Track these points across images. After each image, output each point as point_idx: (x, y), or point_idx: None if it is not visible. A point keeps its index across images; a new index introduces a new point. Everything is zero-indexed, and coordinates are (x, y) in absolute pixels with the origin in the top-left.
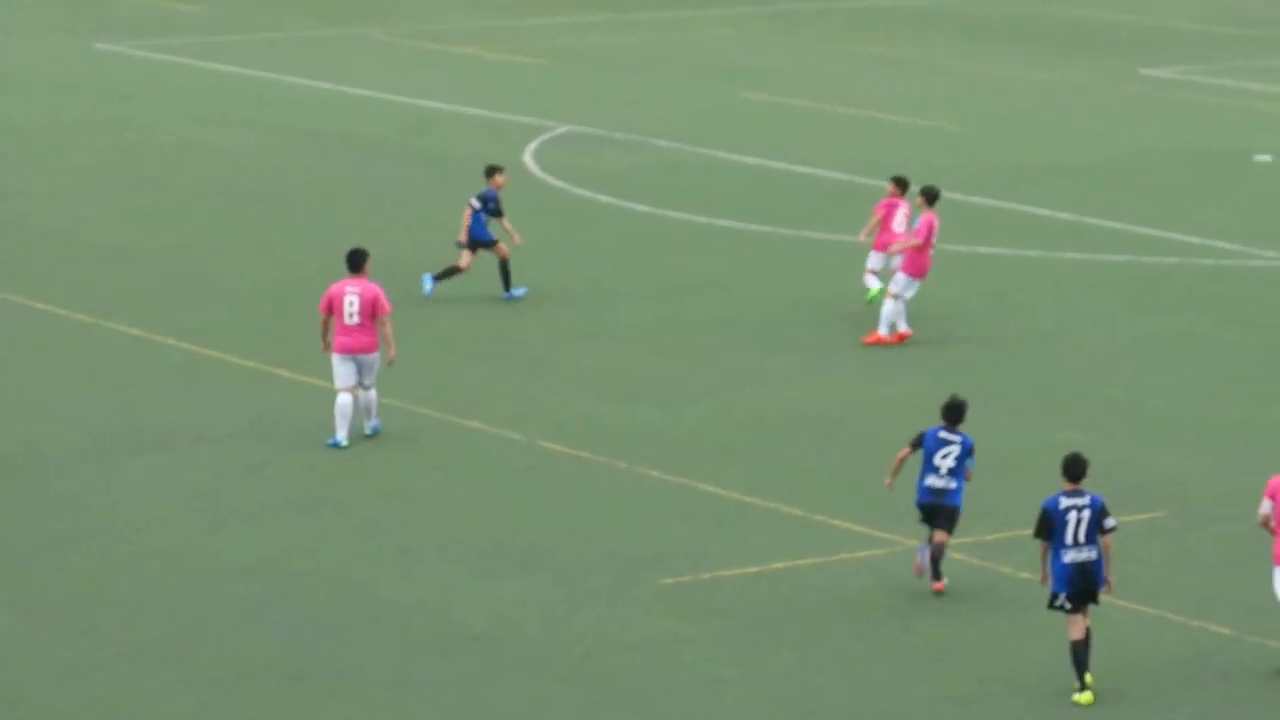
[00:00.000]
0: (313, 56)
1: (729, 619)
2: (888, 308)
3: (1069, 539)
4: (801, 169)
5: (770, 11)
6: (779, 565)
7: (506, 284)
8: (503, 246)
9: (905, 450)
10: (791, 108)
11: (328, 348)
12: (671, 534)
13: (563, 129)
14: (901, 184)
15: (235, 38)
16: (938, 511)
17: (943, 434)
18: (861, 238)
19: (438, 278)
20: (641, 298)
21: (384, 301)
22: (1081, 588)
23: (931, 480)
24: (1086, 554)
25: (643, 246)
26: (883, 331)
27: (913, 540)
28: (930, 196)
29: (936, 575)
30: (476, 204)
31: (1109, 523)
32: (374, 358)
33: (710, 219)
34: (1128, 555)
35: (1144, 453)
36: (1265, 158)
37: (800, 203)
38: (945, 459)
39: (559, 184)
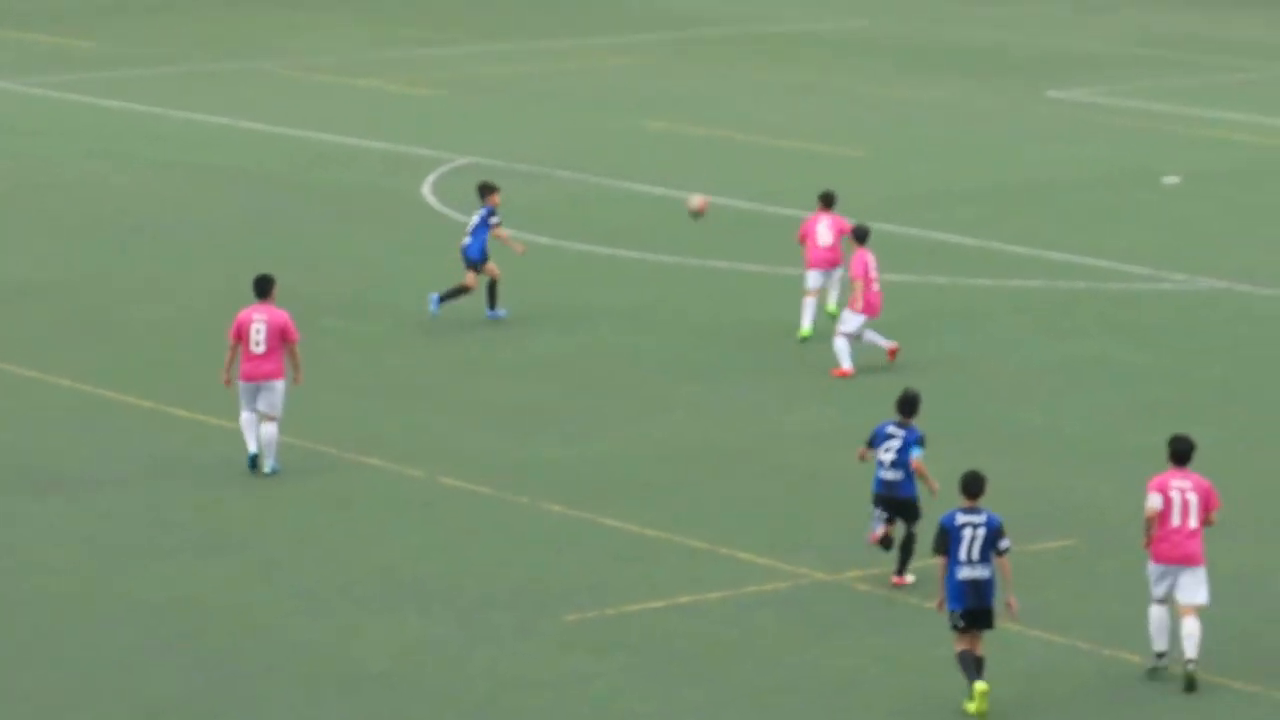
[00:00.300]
0: (208, 91)
1: (635, 654)
2: (840, 344)
3: (963, 555)
4: (716, 198)
5: (672, 39)
6: (685, 599)
7: (492, 303)
8: (493, 266)
9: (862, 450)
10: (694, 136)
11: (230, 380)
12: (575, 569)
13: (463, 161)
14: (826, 200)
15: (129, 73)
16: (890, 504)
17: (890, 428)
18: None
19: (444, 298)
20: (543, 330)
21: (292, 328)
22: (975, 605)
23: (882, 473)
24: (980, 572)
25: (545, 279)
26: (845, 365)
27: (820, 573)
28: (860, 235)
29: (900, 570)
30: (495, 220)
31: (1004, 544)
32: (278, 385)
33: (613, 250)
34: (1040, 582)
35: (1058, 479)
36: (1173, 179)
37: (705, 232)
38: (888, 452)
39: (460, 217)
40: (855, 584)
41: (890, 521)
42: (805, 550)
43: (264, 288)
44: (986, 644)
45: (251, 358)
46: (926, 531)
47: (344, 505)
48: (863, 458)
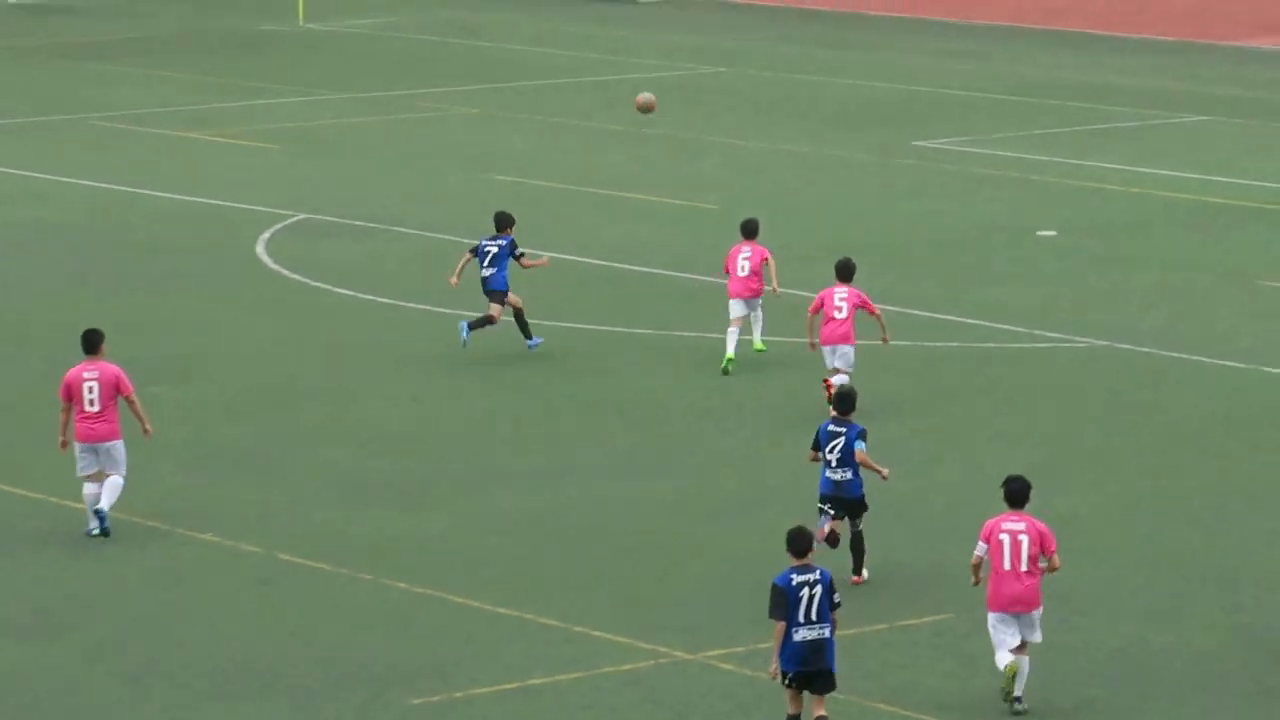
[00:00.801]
0: (28, 144)
1: None
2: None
3: (801, 617)
4: (559, 254)
5: (518, 88)
6: (537, 680)
7: (527, 333)
8: (514, 297)
9: (813, 454)
10: (544, 190)
11: (65, 443)
12: (420, 650)
13: (297, 217)
14: (747, 230)
15: None
16: (839, 503)
17: (831, 427)
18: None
19: (473, 326)
20: (383, 397)
21: (126, 381)
22: (814, 668)
23: (829, 473)
24: (819, 632)
25: (384, 341)
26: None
27: (680, 651)
28: (842, 273)
29: (856, 569)
30: (520, 253)
31: (837, 598)
32: (118, 446)
33: (456, 310)
34: (911, 659)
35: (930, 549)
36: (1049, 232)
37: (552, 290)
38: (833, 451)
39: (294, 276)
40: (717, 663)
41: (837, 518)
42: (664, 628)
43: (92, 342)
44: None
45: (87, 417)
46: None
47: (176, 583)
48: (814, 460)
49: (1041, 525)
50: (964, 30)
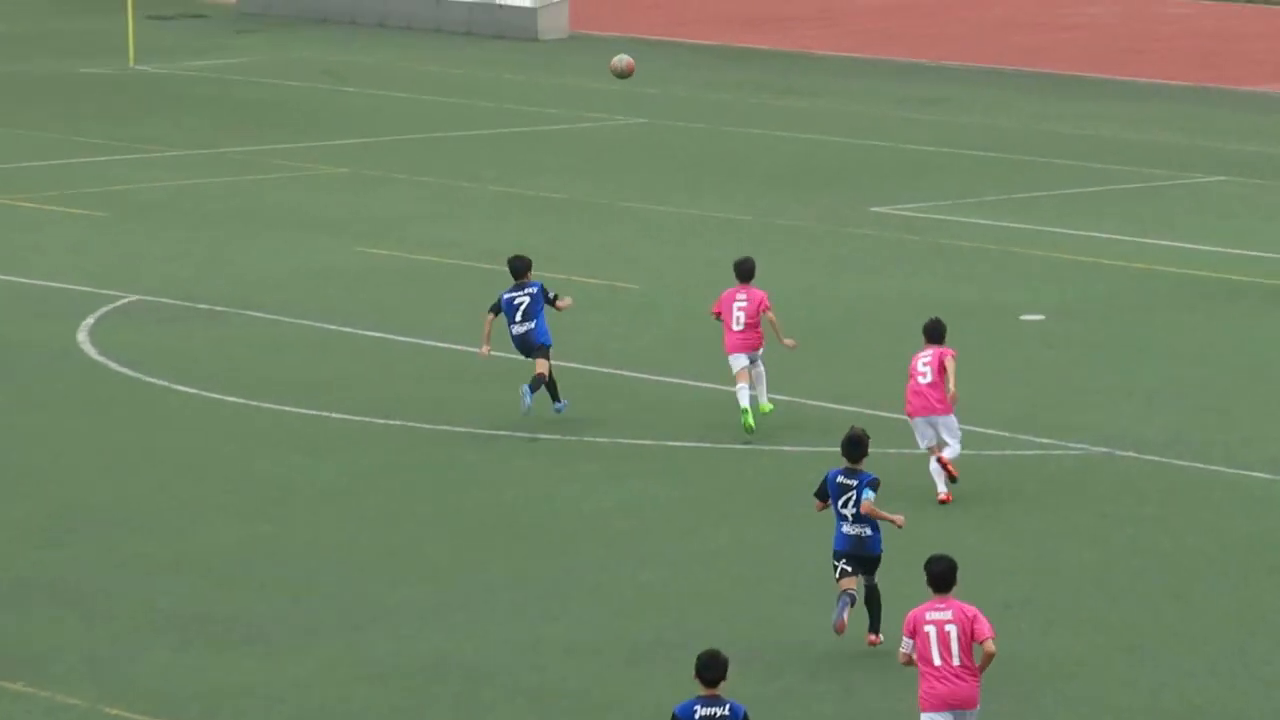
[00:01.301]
0: None
1: None
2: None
3: None
4: (432, 343)
5: (391, 142)
6: None
7: (555, 394)
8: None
9: (819, 504)
10: (423, 266)
11: None
12: None
13: (127, 299)
14: (742, 273)
15: None
16: (858, 561)
17: (841, 478)
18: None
19: (533, 388)
20: (230, 515)
21: None
22: None
23: (846, 528)
24: None
25: (231, 449)
26: (943, 489)
27: None
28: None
29: (874, 628)
30: (553, 294)
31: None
32: None
33: (319, 411)
34: None
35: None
36: (1035, 317)
37: (440, 388)
38: (847, 505)
39: (123, 371)
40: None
41: (851, 575)
42: None
43: None
44: None
45: None
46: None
47: None
48: (821, 509)
49: (970, 609)
50: (931, 73)
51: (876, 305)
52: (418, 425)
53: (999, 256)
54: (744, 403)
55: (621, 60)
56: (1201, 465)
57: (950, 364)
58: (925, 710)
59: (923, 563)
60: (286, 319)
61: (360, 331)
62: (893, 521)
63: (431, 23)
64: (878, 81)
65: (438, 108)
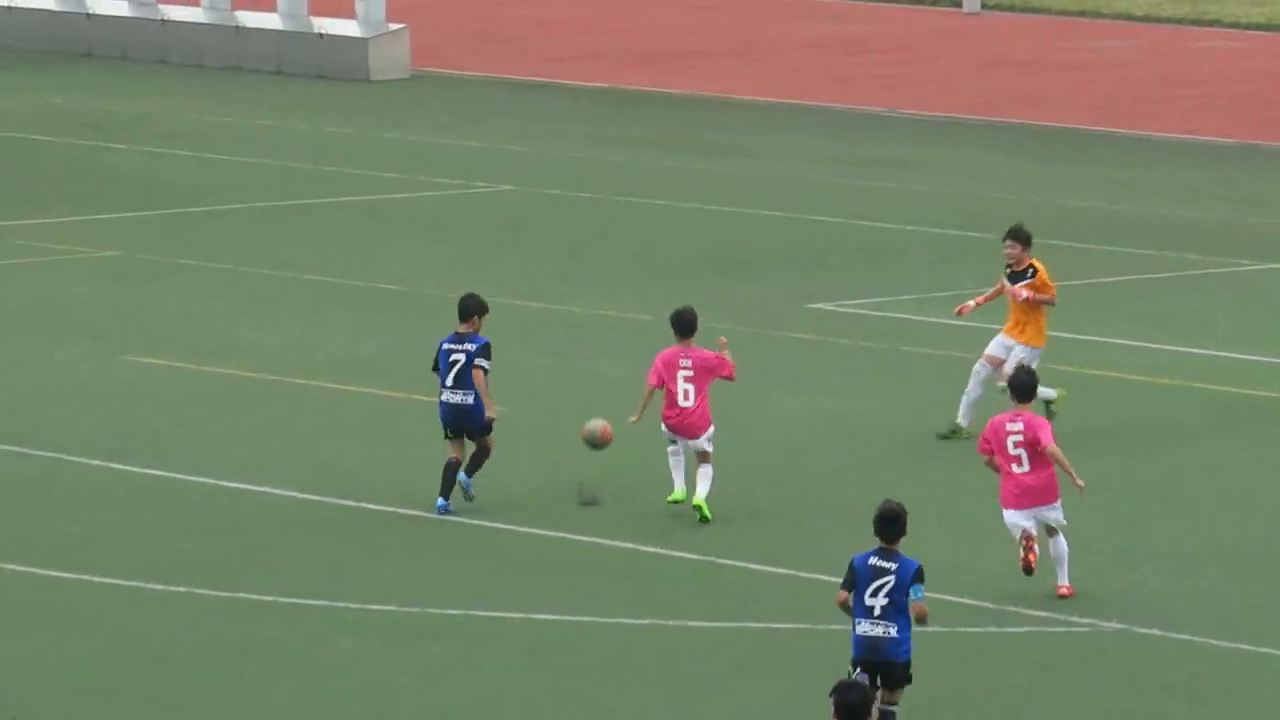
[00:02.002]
0: None
1: None
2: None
3: None
4: (227, 483)
5: (174, 216)
6: None
7: (470, 470)
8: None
9: (842, 594)
10: (219, 381)
11: None
12: None
13: None
14: (683, 327)
15: None
16: (878, 669)
17: (875, 560)
18: None
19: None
20: None
21: None
22: None
23: (865, 626)
24: None
25: None
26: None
27: None
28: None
29: None
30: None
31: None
32: None
33: (78, 574)
34: None
35: None
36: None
37: (222, 542)
38: (878, 594)
39: None
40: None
41: (874, 687)
42: None
43: None
44: None
45: None
46: None
47: None
48: (844, 604)
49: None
50: (889, 126)
51: (816, 433)
52: (206, 592)
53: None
54: (677, 484)
55: (594, 430)
56: (1248, 647)
57: (1031, 435)
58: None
59: None
60: (33, 451)
61: (132, 468)
62: (921, 619)
63: (229, 58)
64: (818, 137)
65: (237, 171)
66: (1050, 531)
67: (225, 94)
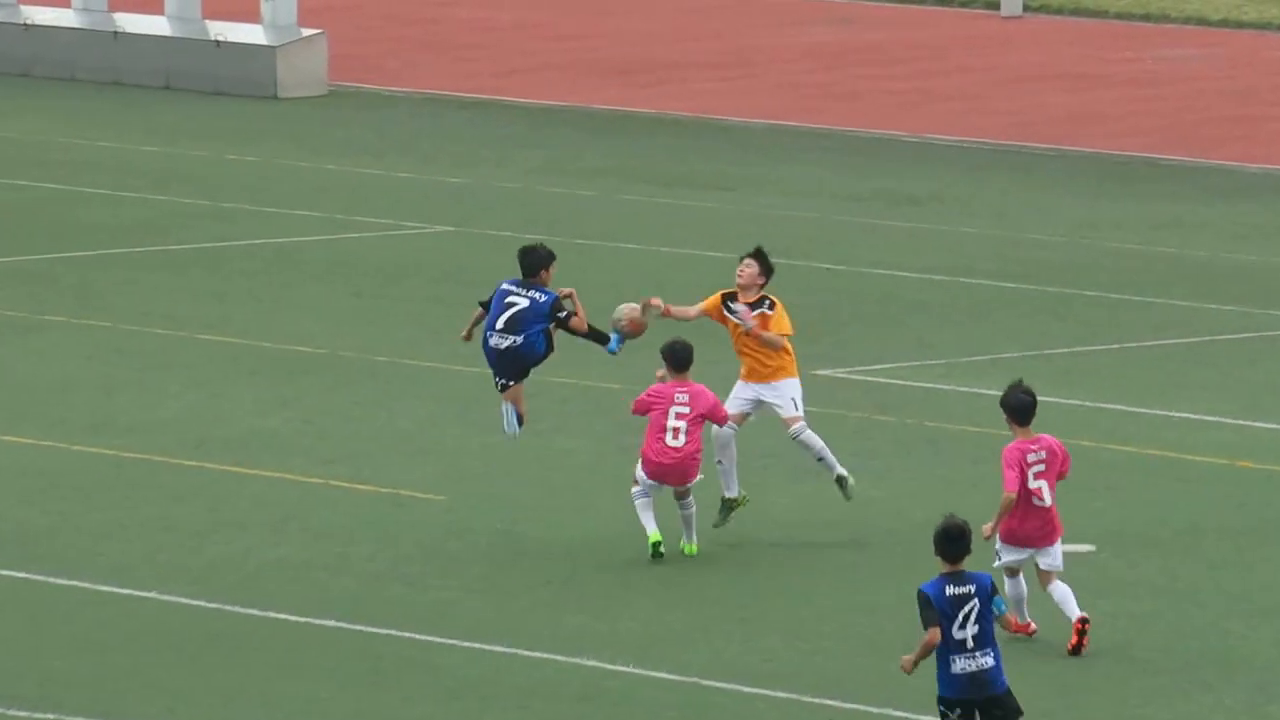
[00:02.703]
0: None
1: None
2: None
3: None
4: (109, 588)
5: (37, 264)
6: None
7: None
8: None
9: (935, 634)
10: (85, 460)
11: None
12: None
13: None
14: (679, 359)
15: None
16: (980, 706)
17: (951, 589)
18: None
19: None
20: None
21: None
22: None
23: (961, 663)
24: None
25: None
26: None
27: None
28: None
29: None
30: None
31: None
32: None
33: None
34: None
35: None
36: (1081, 548)
37: (112, 661)
38: (967, 625)
39: None
40: None
41: None
42: None
43: None
44: None
45: None
46: None
47: None
48: (931, 645)
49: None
50: (910, 153)
51: (821, 531)
52: None
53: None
54: (650, 529)
55: (629, 314)
56: None
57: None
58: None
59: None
60: None
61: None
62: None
63: (107, 71)
64: (824, 167)
65: (118, 208)
66: (1045, 577)
67: (102, 114)
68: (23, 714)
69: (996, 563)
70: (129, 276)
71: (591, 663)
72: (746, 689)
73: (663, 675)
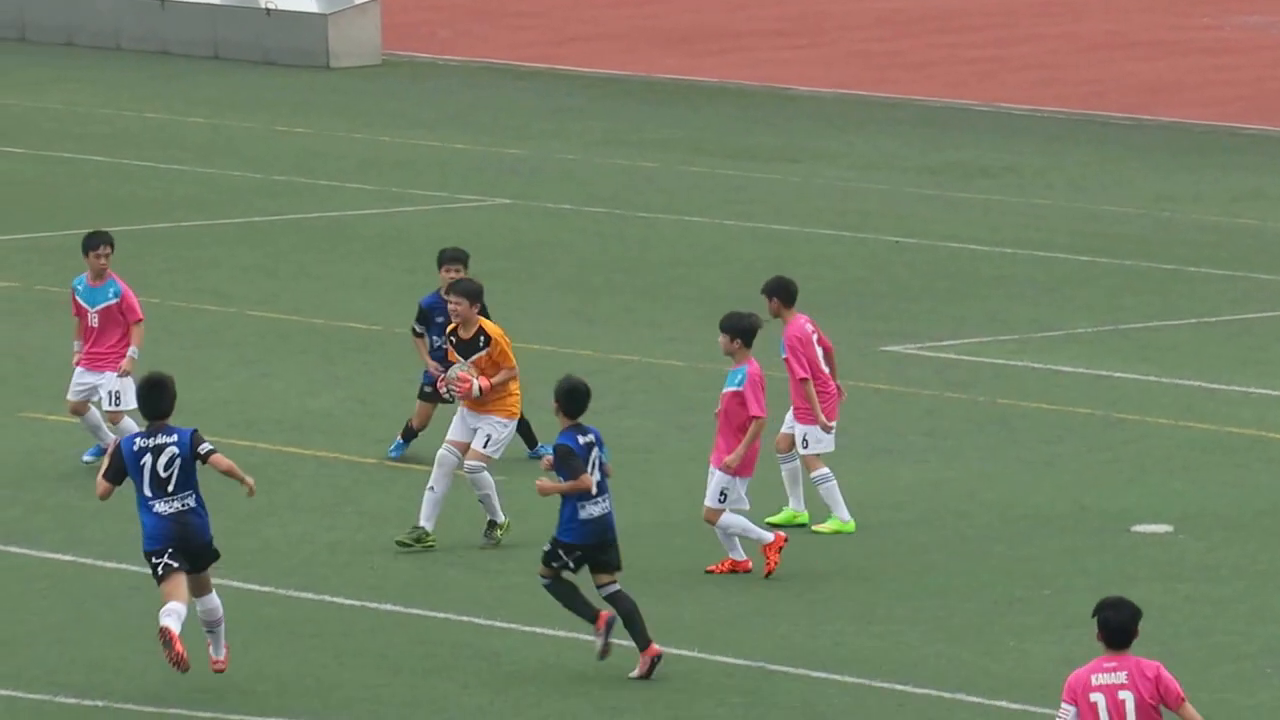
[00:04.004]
0: None
1: None
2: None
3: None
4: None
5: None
6: None
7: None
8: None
9: (585, 479)
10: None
11: None
12: None
13: None
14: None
15: None
16: (598, 548)
17: (581, 437)
18: None
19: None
20: None
21: None
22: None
23: (589, 509)
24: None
25: None
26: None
27: None
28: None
29: None
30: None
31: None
32: None
33: None
34: None
35: None
36: (1157, 528)
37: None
38: (594, 470)
39: None
40: None
41: None
42: None
43: None
44: None
45: None
46: None
47: None
48: (585, 488)
49: (1153, 667)
50: (982, 124)
51: (891, 512)
52: (128, 707)
53: (1098, 426)
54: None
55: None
56: None
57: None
58: None
59: None
60: None
61: (33, 552)
62: None
63: (155, 40)
64: (894, 139)
65: (164, 181)
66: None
67: (148, 85)
68: (70, 701)
69: None
70: (176, 252)
71: (655, 647)
72: (814, 673)
73: (727, 659)
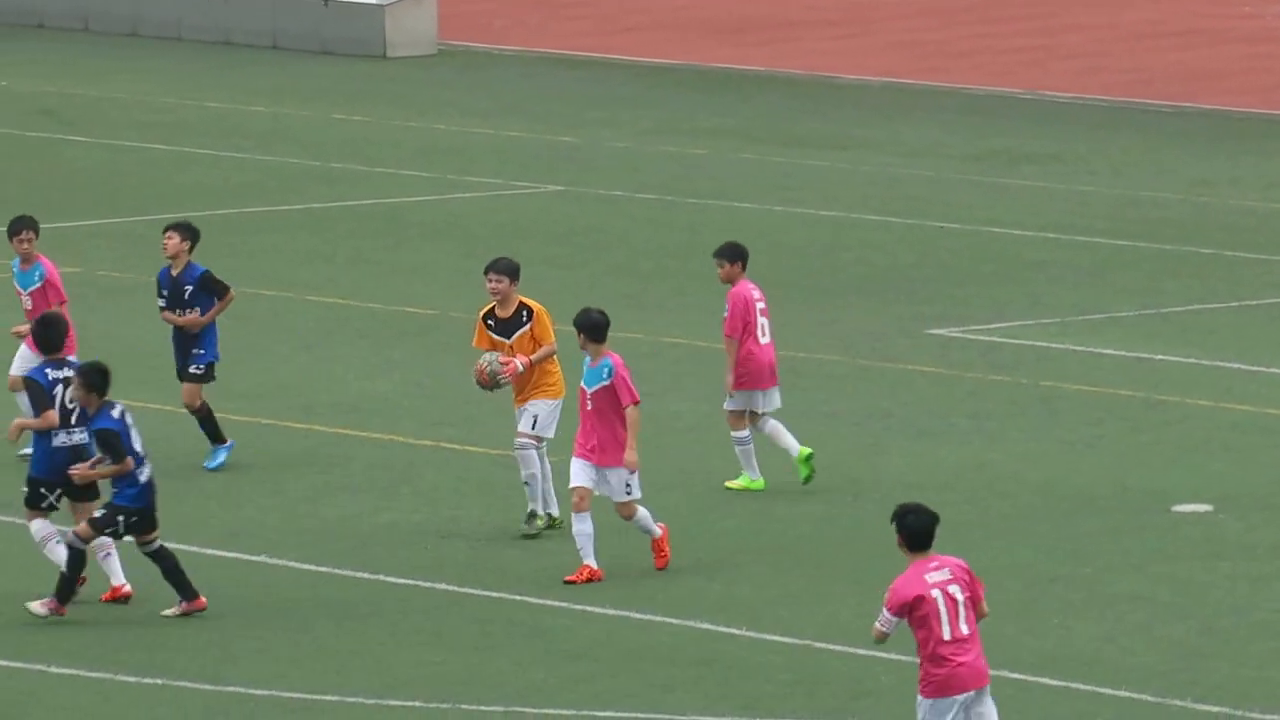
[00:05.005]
0: None
1: None
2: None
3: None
4: (220, 553)
5: (144, 225)
6: None
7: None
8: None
9: (128, 461)
10: (189, 422)
11: None
12: None
13: None
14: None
15: None
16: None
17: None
18: None
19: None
20: None
21: None
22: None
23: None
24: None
25: None
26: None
27: None
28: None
29: None
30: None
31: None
32: None
33: None
34: None
35: None
36: (1197, 507)
37: (217, 636)
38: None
39: None
40: None
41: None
42: None
43: None
44: None
45: None
46: None
47: None
48: (126, 471)
49: (962, 564)
50: (1026, 112)
51: (938, 492)
52: (187, 684)
53: (1139, 408)
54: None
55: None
56: None
57: None
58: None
59: None
60: None
61: None
62: None
63: (216, 31)
64: (940, 127)
65: (224, 169)
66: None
67: (209, 74)
68: (131, 679)
69: None
70: (235, 239)
71: (704, 625)
72: (861, 652)
73: (776, 638)
